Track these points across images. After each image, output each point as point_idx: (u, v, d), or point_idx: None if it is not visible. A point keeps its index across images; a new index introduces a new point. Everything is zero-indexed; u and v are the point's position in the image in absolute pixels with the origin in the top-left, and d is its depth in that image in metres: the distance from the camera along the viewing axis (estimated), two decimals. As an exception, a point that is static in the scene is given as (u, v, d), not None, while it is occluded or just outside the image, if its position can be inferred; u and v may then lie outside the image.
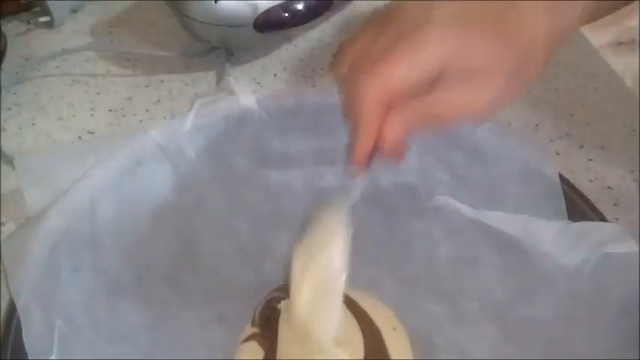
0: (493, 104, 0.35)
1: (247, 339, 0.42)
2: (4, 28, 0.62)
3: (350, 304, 0.43)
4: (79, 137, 0.56)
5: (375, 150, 0.35)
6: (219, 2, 0.57)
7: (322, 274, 0.37)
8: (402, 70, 0.33)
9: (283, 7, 0.60)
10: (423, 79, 0.33)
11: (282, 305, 0.42)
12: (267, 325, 0.42)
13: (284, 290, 0.43)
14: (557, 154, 0.55)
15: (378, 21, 0.36)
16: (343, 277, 0.37)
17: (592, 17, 0.39)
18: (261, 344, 0.41)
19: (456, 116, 0.35)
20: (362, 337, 0.41)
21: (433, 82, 0.34)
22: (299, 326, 0.38)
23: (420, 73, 0.33)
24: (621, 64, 0.74)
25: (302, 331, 0.38)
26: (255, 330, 0.42)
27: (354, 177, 0.37)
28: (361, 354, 0.40)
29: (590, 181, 0.53)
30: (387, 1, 0.38)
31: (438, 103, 0.34)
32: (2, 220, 0.48)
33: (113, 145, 0.42)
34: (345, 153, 0.36)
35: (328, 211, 0.38)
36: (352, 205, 0.38)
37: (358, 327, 0.42)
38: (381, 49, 0.34)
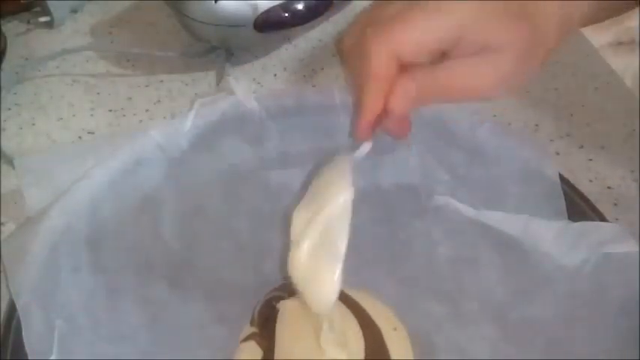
0: (503, 82, 0.34)
1: (246, 338, 0.42)
2: (4, 28, 0.62)
3: (351, 304, 0.43)
4: (79, 137, 0.56)
5: (381, 118, 0.34)
6: (219, 2, 0.57)
7: (324, 229, 0.35)
8: (415, 34, 0.32)
9: (283, 7, 0.60)
10: (434, 48, 0.33)
11: (280, 305, 0.42)
12: (266, 324, 0.42)
13: (284, 289, 0.43)
14: (557, 154, 0.55)
15: None
16: (346, 231, 0.34)
17: (596, 17, 0.39)
18: (259, 344, 0.41)
19: (464, 92, 0.34)
20: (363, 338, 0.41)
21: (444, 55, 0.33)
22: (297, 288, 0.36)
23: (432, 39, 0.32)
24: (621, 64, 0.74)
25: (302, 295, 0.36)
26: (254, 329, 0.42)
27: (359, 143, 0.36)
28: (362, 354, 0.40)
29: (590, 181, 0.53)
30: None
31: (448, 74, 0.33)
32: (2, 220, 0.48)
33: (113, 145, 0.42)
34: (351, 120, 0.35)
35: (331, 166, 0.37)
36: (357, 163, 0.36)
37: (359, 327, 0.42)
38: (393, 13, 0.33)
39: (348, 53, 0.35)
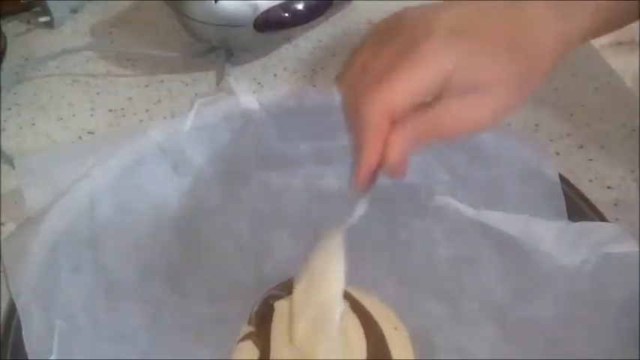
0: (497, 115, 0.34)
1: (243, 338, 0.42)
2: (4, 28, 0.62)
3: (352, 303, 0.43)
4: (79, 137, 0.56)
5: (379, 169, 0.34)
6: (219, 2, 0.57)
7: (319, 302, 0.37)
8: (403, 88, 0.32)
9: (283, 7, 0.60)
10: (424, 96, 0.33)
11: (277, 304, 0.42)
12: (263, 323, 0.42)
13: (283, 288, 0.43)
14: (557, 154, 0.55)
15: (377, 35, 0.35)
16: (339, 305, 0.37)
17: (598, 32, 0.39)
18: (256, 343, 0.41)
19: (460, 128, 0.35)
20: (364, 337, 0.41)
21: (436, 97, 0.33)
22: (300, 353, 0.38)
23: (422, 90, 0.33)
24: (621, 64, 0.74)
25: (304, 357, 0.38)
26: (251, 329, 0.42)
27: (357, 196, 0.36)
28: (364, 354, 0.40)
29: (590, 181, 0.53)
30: (387, 0, 0.38)
31: (441, 116, 0.34)
32: (2, 220, 0.48)
33: (113, 145, 0.42)
34: (349, 176, 0.35)
35: (327, 238, 0.38)
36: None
37: (360, 327, 0.42)
38: (381, 67, 0.33)
39: (344, 101, 0.36)
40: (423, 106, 0.34)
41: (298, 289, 0.38)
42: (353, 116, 0.34)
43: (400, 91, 0.32)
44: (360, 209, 0.37)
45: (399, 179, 0.36)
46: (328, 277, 0.37)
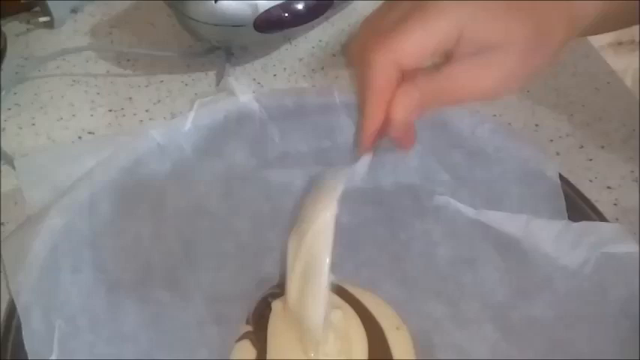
0: (507, 81, 0.33)
1: (240, 337, 0.42)
2: (4, 28, 0.62)
3: (353, 303, 0.43)
4: (79, 137, 0.56)
5: (384, 129, 0.34)
6: (219, 2, 0.57)
7: (308, 260, 0.36)
8: (414, 39, 0.32)
9: (283, 7, 0.60)
10: (434, 51, 0.32)
11: (274, 303, 0.42)
12: (261, 322, 0.42)
13: (281, 287, 0.43)
14: (557, 154, 0.55)
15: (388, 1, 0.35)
16: (327, 262, 0.35)
17: (601, 28, 0.38)
18: (253, 342, 0.41)
19: (468, 92, 0.34)
20: (366, 336, 0.41)
21: (446, 57, 0.33)
22: (292, 313, 0.37)
23: (432, 44, 0.32)
24: (621, 64, 0.74)
25: (295, 317, 0.37)
26: (249, 328, 0.42)
27: (361, 156, 0.36)
28: (365, 353, 0.40)
29: (590, 181, 0.53)
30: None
31: (450, 77, 0.33)
32: (2, 220, 0.48)
33: (113, 145, 0.42)
34: (355, 133, 0.35)
35: (322, 183, 0.37)
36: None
37: (362, 326, 0.42)
38: (393, 20, 0.33)
39: (353, 61, 0.35)
40: (432, 69, 0.33)
41: (292, 233, 0.37)
42: (361, 70, 0.33)
43: (411, 43, 0.32)
44: (365, 160, 0.36)
45: (406, 149, 0.36)
46: (320, 207, 0.36)
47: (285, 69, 0.63)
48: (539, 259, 0.41)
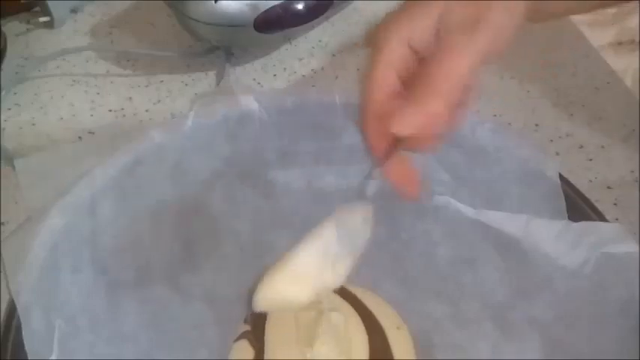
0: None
1: (239, 337, 0.42)
2: (4, 28, 0.62)
3: (354, 302, 0.43)
4: (79, 137, 0.56)
5: (395, 143, 0.35)
6: (219, 2, 0.57)
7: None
8: (418, 21, 0.34)
9: (283, 7, 0.60)
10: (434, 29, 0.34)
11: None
12: (259, 322, 0.42)
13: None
14: (557, 154, 0.55)
15: None
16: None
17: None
18: (251, 342, 0.41)
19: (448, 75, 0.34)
20: (366, 336, 0.41)
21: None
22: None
23: (433, 23, 0.33)
24: (621, 64, 0.74)
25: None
26: (247, 328, 0.42)
27: (375, 165, 0.36)
28: (365, 353, 0.40)
29: (590, 181, 0.53)
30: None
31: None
32: (2, 220, 0.48)
33: (113, 145, 0.42)
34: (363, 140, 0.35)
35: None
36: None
37: (362, 325, 0.42)
38: (403, 8, 0.35)
39: (370, 43, 0.37)
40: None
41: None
42: (374, 46, 0.35)
43: (415, 23, 0.34)
44: (374, 183, 0.37)
45: (429, 151, 0.36)
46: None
47: (285, 69, 0.63)
48: (539, 259, 0.41)
